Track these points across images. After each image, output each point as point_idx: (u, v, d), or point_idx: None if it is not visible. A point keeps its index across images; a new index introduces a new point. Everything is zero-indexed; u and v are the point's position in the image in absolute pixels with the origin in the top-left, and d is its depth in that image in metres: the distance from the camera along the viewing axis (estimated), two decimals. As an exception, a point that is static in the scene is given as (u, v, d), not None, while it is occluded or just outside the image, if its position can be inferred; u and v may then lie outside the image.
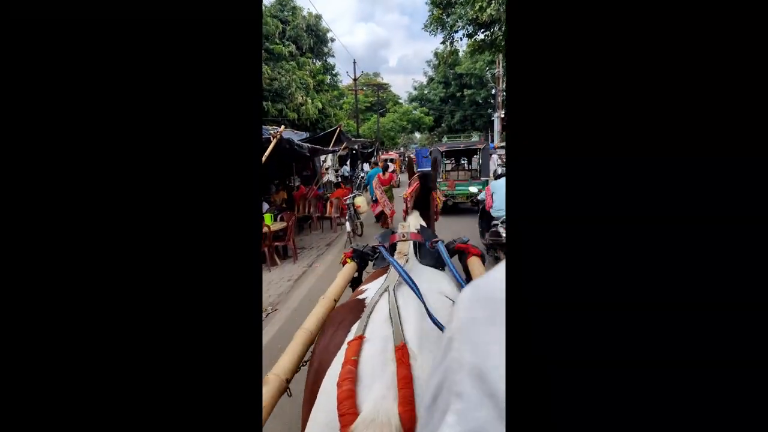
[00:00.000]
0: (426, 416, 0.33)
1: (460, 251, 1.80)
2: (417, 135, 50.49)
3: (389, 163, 20.18)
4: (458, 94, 38.50)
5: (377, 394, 0.77)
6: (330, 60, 22.04)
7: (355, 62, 22.90)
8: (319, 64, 21.15)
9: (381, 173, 7.99)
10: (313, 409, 0.85)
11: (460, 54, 38.85)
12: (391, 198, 7.87)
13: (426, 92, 40.87)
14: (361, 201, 7.14)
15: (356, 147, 22.88)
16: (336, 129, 8.75)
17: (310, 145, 6.95)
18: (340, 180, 15.77)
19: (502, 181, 4.84)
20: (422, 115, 35.14)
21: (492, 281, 0.35)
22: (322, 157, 16.66)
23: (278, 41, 15.11)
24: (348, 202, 7.00)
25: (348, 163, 18.84)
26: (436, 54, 40.74)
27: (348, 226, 6.54)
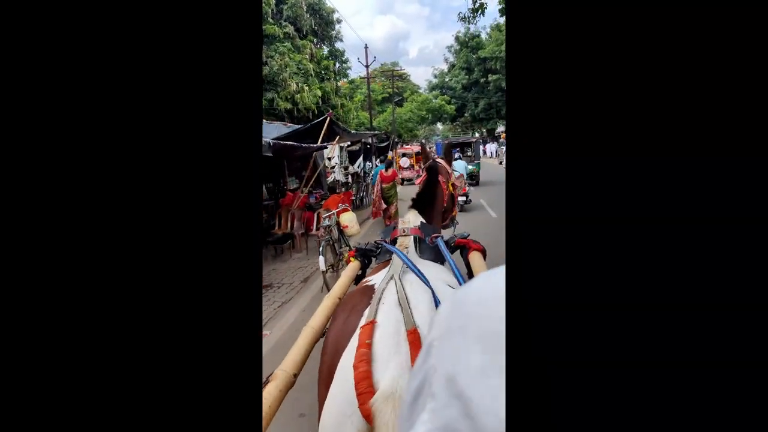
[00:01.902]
0: (407, 413, 0.35)
1: (461, 246, 1.77)
2: (439, 126, 48.18)
3: (405, 158, 18.04)
4: (482, 80, 35.81)
5: (393, 372, 0.81)
6: (339, 45, 19.85)
7: (366, 47, 20.68)
8: (326, 50, 19.02)
9: (384, 170, 7.44)
10: (330, 389, 0.89)
11: (484, 34, 36.04)
12: (394, 196, 7.34)
13: (447, 80, 38.23)
14: (348, 219, 4.84)
15: (370, 141, 20.78)
16: (325, 118, 6.60)
17: (272, 141, 4.76)
18: (349, 180, 13.60)
19: (457, 162, 8.28)
20: (443, 103, 32.27)
21: (468, 293, 0.36)
22: (326, 153, 14.48)
23: (271, 20, 13.02)
24: (326, 223, 4.60)
25: (361, 158, 16.73)
26: (457, 38, 38.04)
27: (322, 263, 4.04)
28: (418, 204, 1.89)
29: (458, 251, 1.77)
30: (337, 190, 12.06)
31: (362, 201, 11.57)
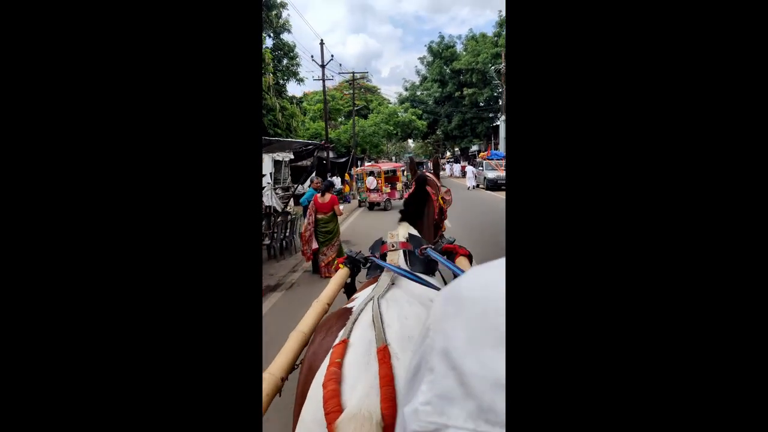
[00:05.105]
0: (407, 390, 0.39)
1: (448, 252, 1.82)
2: (411, 143, 45.04)
3: (371, 178, 14.17)
4: (456, 94, 32.87)
5: (361, 392, 0.81)
6: (288, 38, 16.15)
7: (322, 42, 17.08)
8: (271, 42, 15.28)
9: (318, 195, 5.54)
10: (303, 408, 0.91)
11: (459, 44, 33.39)
12: (334, 234, 5.49)
13: (419, 93, 35.21)
14: None
15: (325, 155, 16.75)
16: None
17: None
18: (290, 206, 9.64)
19: None
20: (413, 117, 28.90)
21: (462, 283, 0.39)
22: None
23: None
24: None
25: (313, 176, 12.84)
26: (430, 48, 35.19)
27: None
28: (407, 216, 1.92)
29: (445, 257, 1.77)
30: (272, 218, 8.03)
31: (283, 248, 6.91)
